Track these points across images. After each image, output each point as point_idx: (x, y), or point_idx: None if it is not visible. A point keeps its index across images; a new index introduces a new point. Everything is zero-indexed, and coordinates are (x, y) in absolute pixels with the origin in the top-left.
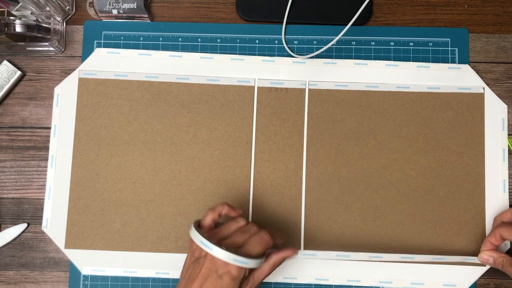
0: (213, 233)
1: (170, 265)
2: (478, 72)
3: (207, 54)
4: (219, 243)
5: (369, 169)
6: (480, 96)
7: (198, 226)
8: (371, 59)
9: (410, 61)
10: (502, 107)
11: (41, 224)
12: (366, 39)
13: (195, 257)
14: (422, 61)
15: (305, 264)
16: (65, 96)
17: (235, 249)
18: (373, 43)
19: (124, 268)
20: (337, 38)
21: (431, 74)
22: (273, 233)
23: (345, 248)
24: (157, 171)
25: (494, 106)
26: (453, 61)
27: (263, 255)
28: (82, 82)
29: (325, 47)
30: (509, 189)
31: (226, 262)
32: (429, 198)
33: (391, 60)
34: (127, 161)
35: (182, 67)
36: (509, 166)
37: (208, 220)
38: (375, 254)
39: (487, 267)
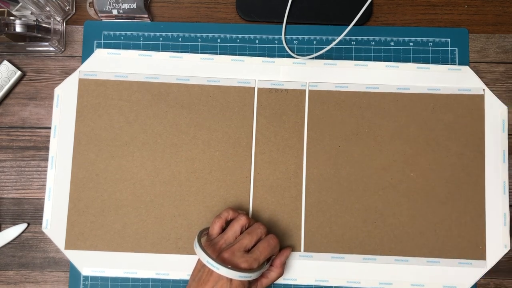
0: (219, 237)
1: (170, 266)
2: (478, 72)
3: (207, 55)
4: (228, 248)
5: (369, 171)
6: (480, 98)
7: (207, 234)
8: (371, 59)
9: (410, 61)
10: (502, 108)
11: (41, 224)
12: (366, 39)
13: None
14: (422, 61)
15: (305, 265)
16: (65, 97)
17: (244, 253)
18: (373, 43)
19: (124, 269)
20: (338, 39)
21: (431, 75)
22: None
23: (345, 250)
24: (157, 172)
25: (494, 108)
26: (453, 61)
27: (268, 260)
28: (82, 83)
29: (326, 48)
30: (509, 190)
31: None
32: (429, 199)
33: (391, 60)
34: (127, 162)
35: (182, 68)
36: (509, 168)
37: (216, 228)
38: (369, 256)
39: (487, 268)
